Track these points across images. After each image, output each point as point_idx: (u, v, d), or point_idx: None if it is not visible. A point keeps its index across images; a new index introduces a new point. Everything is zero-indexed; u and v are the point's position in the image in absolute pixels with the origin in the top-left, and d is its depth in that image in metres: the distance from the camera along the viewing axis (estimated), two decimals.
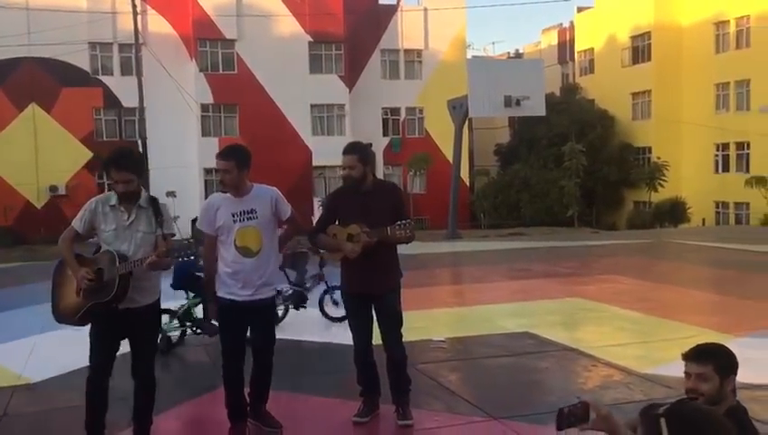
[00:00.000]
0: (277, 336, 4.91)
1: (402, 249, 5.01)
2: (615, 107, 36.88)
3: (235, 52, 32.33)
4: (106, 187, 26.94)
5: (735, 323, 7.94)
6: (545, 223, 31.56)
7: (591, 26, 39.99)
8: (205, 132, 31.76)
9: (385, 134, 34.58)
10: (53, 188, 30.54)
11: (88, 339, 4.34)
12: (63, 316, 4.38)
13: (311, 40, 32.75)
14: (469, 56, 35.28)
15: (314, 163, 32.96)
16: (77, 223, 4.32)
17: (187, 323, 7.30)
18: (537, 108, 21.98)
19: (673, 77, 34.82)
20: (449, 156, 27.84)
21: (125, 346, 4.40)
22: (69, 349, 6.40)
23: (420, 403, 5.20)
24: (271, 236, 4.70)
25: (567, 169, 32.45)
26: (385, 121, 35.28)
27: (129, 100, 30.23)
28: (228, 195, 4.64)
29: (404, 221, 4.68)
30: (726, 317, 8.55)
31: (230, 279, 4.61)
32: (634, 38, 36.96)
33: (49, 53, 28.99)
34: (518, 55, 48.52)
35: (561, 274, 12.79)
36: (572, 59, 42.97)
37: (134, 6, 26.51)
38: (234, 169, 4.52)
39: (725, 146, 33.47)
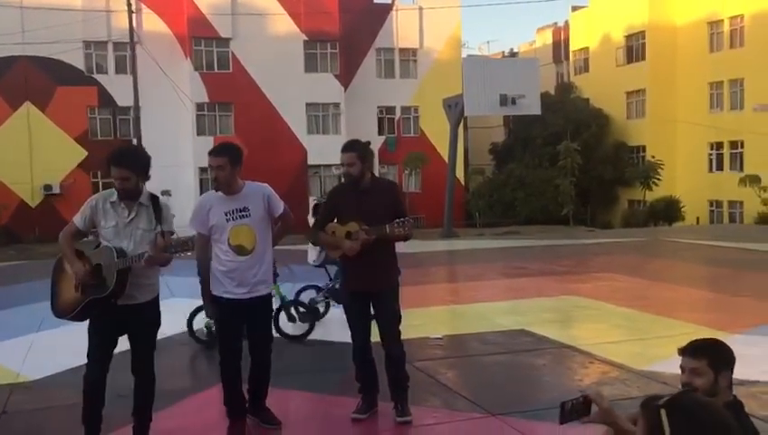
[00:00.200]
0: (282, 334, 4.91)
1: (398, 247, 5.03)
2: (609, 106, 36.98)
3: (230, 50, 32.28)
4: (101, 186, 26.92)
5: (730, 321, 8.00)
6: (540, 222, 31.65)
7: (586, 25, 40.08)
8: (200, 131, 31.71)
9: (380, 133, 34.57)
10: (48, 187, 30.45)
11: (84, 337, 4.35)
12: (62, 312, 4.40)
13: (306, 39, 32.73)
14: (464, 55, 35.28)
15: (309, 162, 32.95)
16: (78, 219, 4.34)
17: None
18: (533, 107, 22.04)
19: (667, 76, 34.93)
20: (444, 155, 27.88)
21: (126, 343, 4.41)
22: (66, 347, 6.42)
23: (418, 400, 5.22)
24: (264, 233, 4.70)
25: (562, 167, 32.53)
26: (380, 120, 35.28)
27: (123, 98, 30.16)
28: (220, 194, 4.63)
29: (402, 219, 4.71)
30: (721, 314, 8.60)
31: (225, 278, 4.61)
32: (628, 37, 37.06)
33: (43, 51, 28.92)
34: (513, 54, 48.58)
35: (556, 272, 12.84)
36: (567, 58, 43.04)
37: (129, 5, 26.46)
38: (227, 166, 4.53)
39: (719, 145, 33.60)
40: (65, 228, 4.40)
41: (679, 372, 2.80)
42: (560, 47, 44.32)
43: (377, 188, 4.99)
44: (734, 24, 32.76)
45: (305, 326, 7.53)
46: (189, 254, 4.41)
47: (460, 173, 32.67)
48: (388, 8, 35.02)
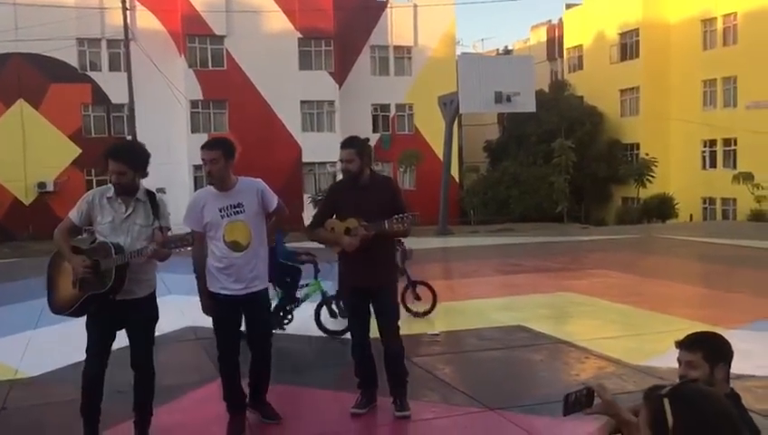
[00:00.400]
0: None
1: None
2: (603, 103, 37.08)
3: (225, 48, 32.24)
4: (95, 183, 26.83)
5: (725, 316, 8.05)
6: (534, 219, 31.71)
7: (580, 23, 40.16)
8: (194, 129, 31.66)
9: (375, 131, 34.58)
10: (42, 185, 30.37)
11: (82, 333, 4.36)
12: (60, 308, 4.39)
13: (300, 36, 32.72)
14: (458, 53, 35.34)
15: (304, 160, 32.95)
16: (73, 214, 4.33)
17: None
18: (527, 104, 22.10)
19: (661, 74, 35.05)
20: (438, 152, 27.92)
21: (124, 340, 4.43)
22: (63, 344, 6.44)
23: (417, 395, 5.26)
24: (259, 228, 4.70)
25: (556, 165, 32.62)
26: (375, 118, 35.30)
27: (117, 96, 30.09)
28: (214, 190, 4.62)
29: (401, 215, 4.74)
30: (716, 310, 8.67)
31: (221, 274, 4.61)
32: (622, 35, 37.16)
33: (37, 48, 28.81)
34: (507, 52, 48.66)
35: (551, 268, 12.89)
36: (561, 56, 43.13)
37: (123, 2, 26.38)
38: (221, 159, 4.51)
39: (713, 142, 33.75)
40: (61, 224, 4.39)
41: (674, 366, 2.84)
42: (554, 45, 44.41)
43: (375, 185, 5.02)
44: (728, 22, 32.89)
45: (346, 322, 7.50)
46: (189, 249, 4.44)
47: (455, 171, 32.70)
48: (382, 6, 35.03)
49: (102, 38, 31.15)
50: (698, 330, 2.97)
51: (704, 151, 34.22)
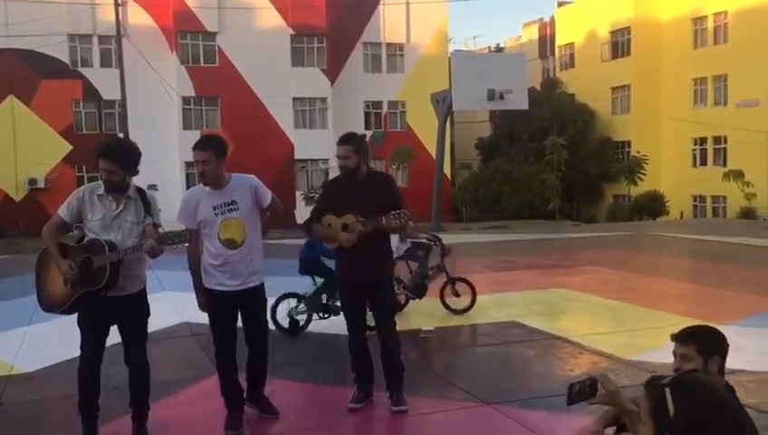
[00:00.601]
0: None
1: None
2: (595, 101, 37.24)
3: (217, 44, 32.18)
4: (86, 180, 26.73)
5: (716, 312, 8.12)
6: (526, 216, 31.85)
7: (572, 21, 40.30)
8: (186, 125, 31.60)
9: (367, 128, 34.59)
10: (32, 181, 30.26)
11: (77, 329, 4.36)
12: (51, 305, 4.37)
13: (293, 33, 32.68)
14: (450, 50, 35.39)
15: (296, 156, 32.94)
16: (63, 211, 4.30)
17: (316, 308, 7.41)
18: (520, 102, 22.19)
19: (652, 72, 35.22)
20: (431, 150, 27.98)
21: (118, 336, 4.44)
22: (59, 339, 6.43)
23: (413, 390, 5.29)
24: (254, 225, 4.70)
25: (548, 162, 32.73)
26: (367, 115, 35.32)
27: (108, 92, 29.99)
28: (207, 188, 4.60)
29: (398, 211, 4.77)
30: (707, 306, 8.75)
31: (217, 271, 4.62)
32: (614, 33, 37.32)
33: (28, 44, 28.67)
34: (499, 49, 48.73)
35: (544, 265, 12.97)
36: (553, 53, 43.26)
37: None
38: (213, 160, 4.50)
39: (703, 140, 33.95)
40: (49, 221, 4.35)
41: (666, 361, 2.89)
42: (546, 42, 44.51)
43: (373, 181, 5.05)
44: (718, 21, 33.09)
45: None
46: (187, 245, 4.44)
47: (447, 168, 32.78)
48: (375, 2, 35.03)
49: (94, 34, 31.02)
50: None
51: (694, 149, 34.43)
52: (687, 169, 34.33)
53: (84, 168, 29.38)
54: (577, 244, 17.16)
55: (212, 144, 4.58)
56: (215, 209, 4.56)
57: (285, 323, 7.34)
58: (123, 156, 4.30)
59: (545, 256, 14.21)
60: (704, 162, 34.05)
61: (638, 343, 6.82)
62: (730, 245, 15.87)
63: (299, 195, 30.02)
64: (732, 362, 2.86)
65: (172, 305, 8.49)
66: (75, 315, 4.37)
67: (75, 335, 4.38)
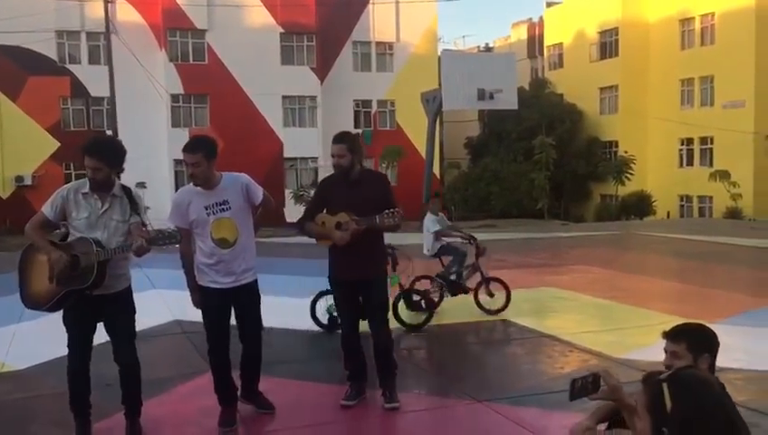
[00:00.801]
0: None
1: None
2: (583, 101, 37.44)
3: (206, 42, 32.06)
4: (73, 177, 26.55)
5: (703, 311, 8.20)
6: (515, 215, 31.98)
7: (560, 21, 40.49)
8: (175, 123, 31.47)
9: (356, 126, 34.57)
10: (19, 179, 30.03)
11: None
12: (36, 303, 4.33)
13: (282, 31, 32.62)
14: (440, 50, 35.44)
15: (286, 155, 32.88)
16: (47, 209, 4.27)
17: None
18: (510, 101, 22.30)
19: (639, 72, 35.47)
20: (420, 149, 28.02)
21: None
22: (49, 337, 6.37)
23: (406, 387, 5.33)
24: (246, 223, 4.70)
25: (537, 162, 32.89)
26: (356, 114, 35.30)
27: (96, 89, 29.81)
28: (198, 188, 4.59)
29: (392, 210, 4.80)
30: (694, 305, 8.85)
31: (211, 270, 4.63)
32: (602, 33, 37.54)
33: (15, 40, 28.41)
34: (488, 49, 48.85)
35: (533, 264, 13.04)
36: (542, 53, 43.44)
37: None
38: (203, 162, 4.48)
39: (690, 141, 34.23)
40: (33, 218, 4.31)
41: (654, 359, 2.93)
42: (534, 43, 44.69)
43: (366, 180, 5.08)
44: (705, 22, 33.36)
45: (423, 316, 7.52)
46: (177, 246, 4.43)
47: (436, 167, 32.79)
48: (364, 1, 35.01)
49: (82, 30, 30.83)
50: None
51: (681, 150, 34.70)
52: (674, 169, 34.59)
53: (72, 165, 29.19)
54: (565, 243, 17.27)
55: (201, 146, 4.54)
56: (206, 209, 4.56)
57: (325, 319, 7.36)
58: (109, 153, 4.28)
59: (534, 255, 14.29)
60: (690, 162, 34.33)
61: (627, 341, 6.89)
62: (716, 244, 16.03)
63: (288, 193, 29.97)
64: (719, 360, 2.91)
65: (162, 303, 8.48)
66: (61, 313, 4.34)
67: (65, 333, 4.36)
